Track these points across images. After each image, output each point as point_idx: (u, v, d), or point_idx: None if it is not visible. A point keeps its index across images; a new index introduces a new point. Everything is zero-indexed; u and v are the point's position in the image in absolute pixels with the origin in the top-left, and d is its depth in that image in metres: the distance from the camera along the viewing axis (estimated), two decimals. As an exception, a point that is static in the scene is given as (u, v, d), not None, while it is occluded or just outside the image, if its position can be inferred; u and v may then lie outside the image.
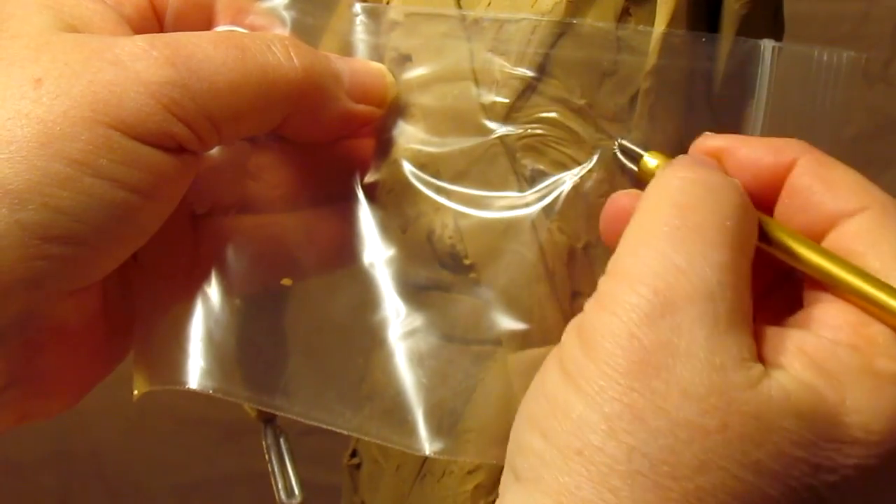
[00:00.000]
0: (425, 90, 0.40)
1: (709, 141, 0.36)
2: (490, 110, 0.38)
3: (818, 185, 0.34)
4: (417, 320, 0.42)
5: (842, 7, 0.85)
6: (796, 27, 0.84)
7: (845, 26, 0.85)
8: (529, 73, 0.38)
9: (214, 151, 0.40)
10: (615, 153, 0.36)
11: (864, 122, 0.86)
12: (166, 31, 0.39)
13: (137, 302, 0.40)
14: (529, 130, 0.38)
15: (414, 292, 0.41)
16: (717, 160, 0.35)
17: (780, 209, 0.35)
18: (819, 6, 0.85)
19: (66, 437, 0.97)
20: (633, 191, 0.36)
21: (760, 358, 0.32)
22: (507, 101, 0.38)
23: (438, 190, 0.40)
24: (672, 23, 0.37)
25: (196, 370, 0.40)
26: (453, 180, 0.39)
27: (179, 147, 0.36)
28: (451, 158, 0.39)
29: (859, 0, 0.85)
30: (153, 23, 0.39)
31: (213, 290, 0.40)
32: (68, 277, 0.35)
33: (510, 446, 0.33)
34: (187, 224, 0.40)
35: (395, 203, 0.41)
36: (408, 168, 0.40)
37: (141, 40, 0.36)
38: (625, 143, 0.37)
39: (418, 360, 0.41)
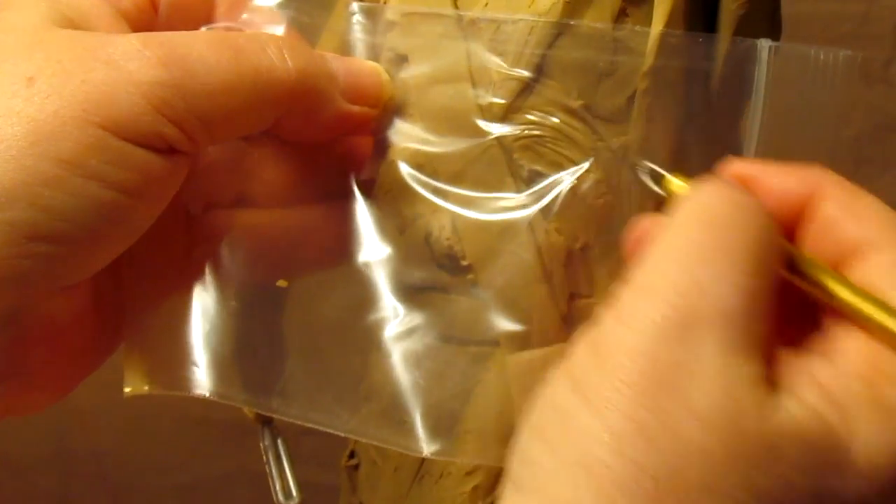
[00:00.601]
0: (422, 91, 0.40)
1: (735, 166, 0.36)
2: (487, 111, 0.38)
3: (844, 214, 0.34)
4: (415, 321, 0.41)
5: (842, 7, 0.85)
6: (796, 27, 0.84)
7: (845, 26, 0.85)
8: (526, 74, 0.38)
9: (209, 150, 0.40)
10: (635, 171, 0.36)
11: (864, 122, 0.86)
12: (160, 26, 0.39)
13: (128, 301, 0.40)
14: (526, 131, 0.38)
15: (411, 293, 0.41)
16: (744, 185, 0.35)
17: (802, 235, 0.35)
18: (819, 6, 0.85)
19: (66, 437, 0.97)
20: (657, 214, 0.36)
21: (774, 382, 0.32)
22: (504, 101, 0.38)
23: (436, 191, 0.40)
24: (669, 23, 0.37)
25: (192, 374, 0.40)
26: (450, 181, 0.39)
27: (170, 148, 0.36)
28: (448, 159, 0.39)
29: (859, 0, 0.85)
30: (151, 16, 0.39)
31: (208, 291, 0.40)
32: (56, 275, 0.35)
33: (512, 455, 0.33)
34: (181, 223, 0.40)
35: (392, 204, 0.41)
36: (405, 169, 0.40)
37: (135, 39, 0.35)
38: (649, 164, 0.36)
39: (416, 361, 0.41)
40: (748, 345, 0.31)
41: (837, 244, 0.34)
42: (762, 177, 0.35)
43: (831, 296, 0.33)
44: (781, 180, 0.35)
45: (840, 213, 0.34)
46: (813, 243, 0.35)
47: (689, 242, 0.32)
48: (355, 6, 0.41)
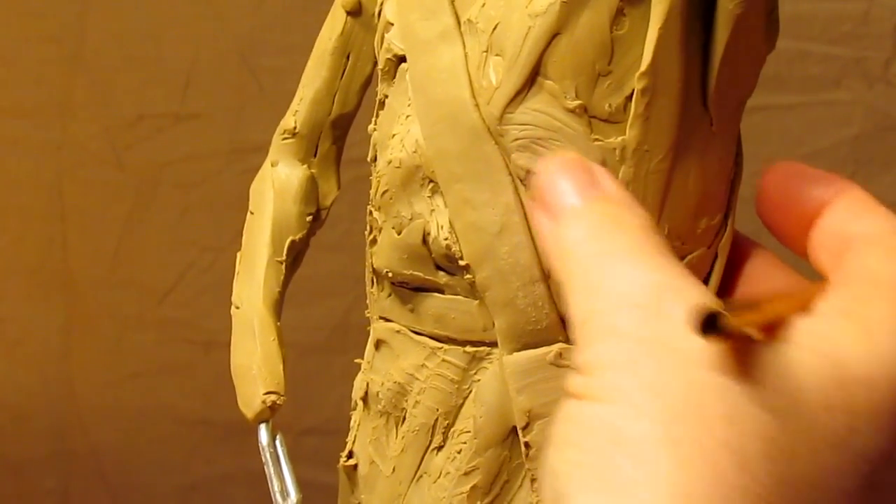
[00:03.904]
0: (420, 91, 0.40)
1: (778, 167, 0.39)
2: (484, 111, 0.38)
3: (848, 214, 0.37)
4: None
5: (842, 7, 0.85)
6: (796, 27, 0.84)
7: (845, 26, 0.85)
8: (524, 74, 0.37)
9: None
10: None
11: (864, 122, 0.86)
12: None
13: None
14: (524, 131, 0.38)
15: (409, 294, 0.41)
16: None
17: (811, 233, 0.38)
18: (819, 6, 0.85)
19: (66, 437, 0.97)
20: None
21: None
22: (501, 101, 0.38)
23: (433, 191, 0.40)
24: (667, 23, 0.36)
25: None
26: (448, 181, 0.39)
27: None
28: (445, 159, 0.39)
29: (859, 0, 0.85)
30: None
31: None
32: None
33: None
34: None
35: (390, 205, 0.41)
36: (403, 169, 0.40)
37: None
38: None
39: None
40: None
41: (834, 236, 0.36)
42: (798, 180, 0.38)
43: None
44: (812, 185, 0.38)
45: (844, 211, 0.37)
46: (815, 238, 0.37)
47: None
48: None
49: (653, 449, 0.30)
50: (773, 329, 0.33)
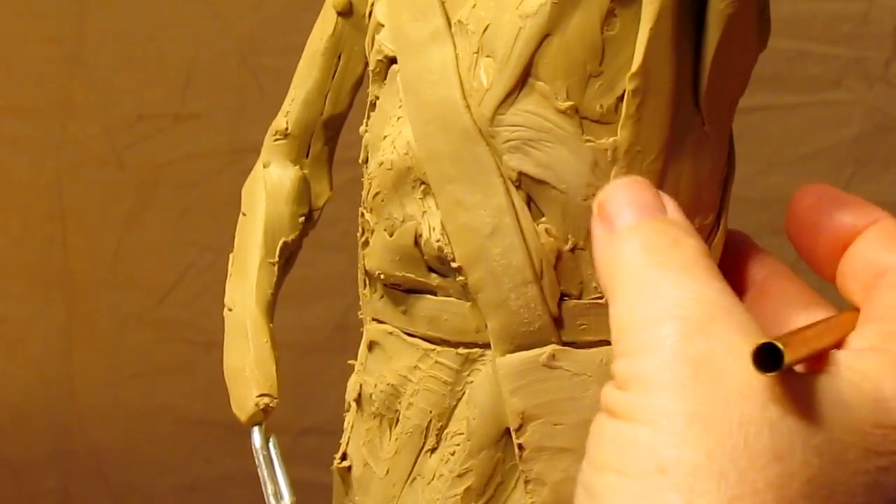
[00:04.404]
0: (410, 93, 0.40)
1: (813, 190, 0.39)
2: (476, 112, 0.38)
3: (879, 243, 0.37)
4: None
5: (842, 7, 0.85)
6: (796, 27, 0.84)
7: (845, 26, 0.85)
8: (515, 75, 0.37)
9: None
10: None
11: (864, 122, 0.86)
12: None
13: None
14: (515, 132, 0.38)
15: (402, 296, 0.41)
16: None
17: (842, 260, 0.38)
18: (819, 6, 0.85)
19: (66, 437, 0.98)
20: None
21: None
22: (492, 102, 0.38)
23: (425, 193, 0.40)
24: (658, 23, 0.36)
25: None
26: (440, 183, 0.39)
27: None
28: (437, 161, 0.39)
29: (859, 0, 0.85)
30: None
31: None
32: None
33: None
34: None
35: (381, 206, 0.41)
36: (394, 171, 0.40)
37: None
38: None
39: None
40: (756, 327, 0.32)
41: (866, 266, 0.37)
42: (831, 204, 0.38)
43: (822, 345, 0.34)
44: (845, 211, 0.38)
45: (876, 241, 0.37)
46: (845, 265, 0.37)
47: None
48: None
49: (701, 482, 0.30)
50: (815, 362, 0.33)
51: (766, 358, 0.30)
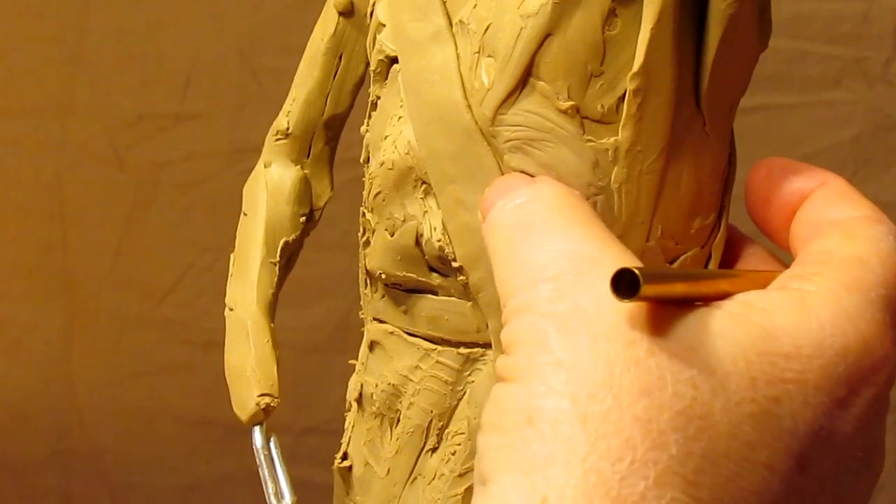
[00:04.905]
0: (412, 92, 0.40)
1: (769, 161, 0.38)
2: (477, 112, 0.38)
3: (824, 202, 0.37)
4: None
5: (842, 7, 0.85)
6: (796, 27, 0.84)
7: (845, 26, 0.85)
8: (516, 75, 0.37)
9: None
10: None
11: (864, 122, 0.86)
12: None
13: None
14: (516, 132, 0.38)
15: (403, 296, 0.41)
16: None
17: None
18: (819, 6, 0.85)
19: (66, 436, 0.97)
20: None
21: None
22: (493, 102, 0.38)
23: (426, 193, 0.40)
24: (659, 23, 0.36)
25: None
26: (441, 183, 0.39)
27: None
28: (438, 161, 0.39)
29: (859, 0, 0.85)
30: None
31: None
32: None
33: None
34: None
35: (383, 206, 0.41)
36: (395, 171, 0.40)
37: None
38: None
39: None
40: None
41: (809, 224, 0.36)
42: (783, 173, 0.38)
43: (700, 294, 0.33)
44: (795, 178, 0.38)
45: (821, 200, 0.37)
46: (793, 228, 0.37)
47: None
48: None
49: (564, 426, 0.30)
50: (707, 300, 0.32)
51: (628, 287, 0.30)
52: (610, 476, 0.29)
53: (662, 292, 0.31)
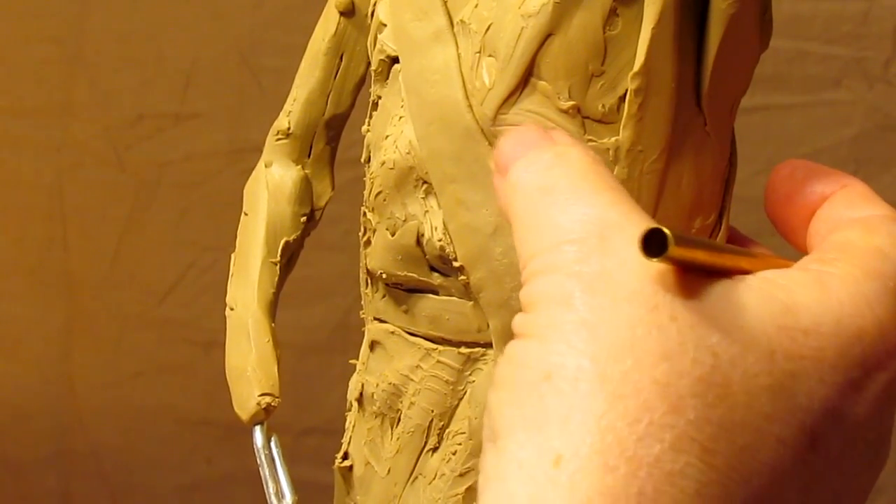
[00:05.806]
0: (413, 92, 0.40)
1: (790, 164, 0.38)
2: (478, 112, 0.38)
3: (843, 203, 0.37)
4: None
5: (842, 7, 0.85)
6: (796, 27, 0.84)
7: (845, 26, 0.85)
8: (517, 75, 0.37)
9: None
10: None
11: (864, 122, 0.86)
12: None
13: None
14: (517, 132, 0.38)
15: (404, 295, 0.41)
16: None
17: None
18: (819, 6, 0.85)
19: (66, 437, 0.97)
20: None
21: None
22: (494, 102, 0.38)
23: (427, 192, 0.40)
24: (660, 23, 0.36)
25: None
26: (442, 182, 0.39)
27: None
28: (439, 160, 0.39)
29: (859, 0, 0.85)
30: None
31: None
32: None
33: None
34: None
35: (384, 206, 0.41)
36: (396, 171, 0.40)
37: None
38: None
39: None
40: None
41: (828, 223, 0.36)
42: (804, 175, 0.38)
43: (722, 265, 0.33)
44: (817, 180, 0.38)
45: (841, 201, 0.37)
46: (811, 228, 0.37)
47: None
48: None
49: (583, 385, 0.30)
50: (729, 273, 0.32)
51: (656, 247, 0.29)
52: (626, 436, 0.29)
53: (689, 257, 0.31)
